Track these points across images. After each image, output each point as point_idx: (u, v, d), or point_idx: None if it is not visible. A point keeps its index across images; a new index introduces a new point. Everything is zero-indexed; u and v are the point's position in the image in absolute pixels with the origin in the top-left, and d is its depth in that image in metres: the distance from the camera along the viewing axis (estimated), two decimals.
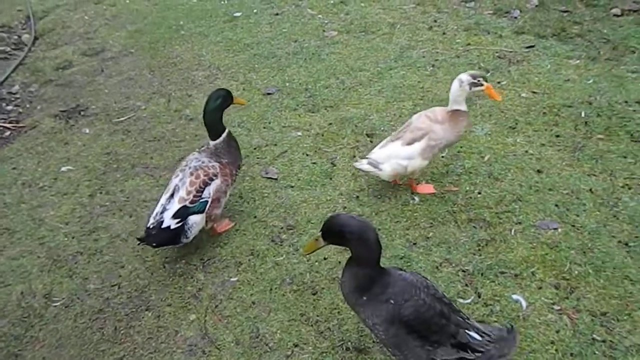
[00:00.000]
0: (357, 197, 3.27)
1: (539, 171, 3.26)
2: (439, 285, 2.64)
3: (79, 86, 4.98)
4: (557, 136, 3.52)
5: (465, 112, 2.95)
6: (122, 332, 2.68)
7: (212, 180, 2.87)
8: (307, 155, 3.67)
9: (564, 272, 2.65)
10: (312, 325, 2.58)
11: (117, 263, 3.07)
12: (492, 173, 3.30)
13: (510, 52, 4.49)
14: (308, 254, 2.23)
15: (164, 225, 2.73)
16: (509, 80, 4.14)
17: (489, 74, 4.24)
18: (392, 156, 3.03)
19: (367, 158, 3.09)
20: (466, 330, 1.97)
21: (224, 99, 2.96)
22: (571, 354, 2.31)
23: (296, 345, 2.51)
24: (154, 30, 5.77)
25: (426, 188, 3.25)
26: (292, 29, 5.39)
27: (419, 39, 4.89)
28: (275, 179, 3.50)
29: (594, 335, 2.37)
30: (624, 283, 2.56)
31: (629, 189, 3.06)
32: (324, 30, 5.28)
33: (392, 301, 1.95)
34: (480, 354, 1.97)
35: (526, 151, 3.43)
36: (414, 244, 2.91)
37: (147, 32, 5.75)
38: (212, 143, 2.99)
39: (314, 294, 2.73)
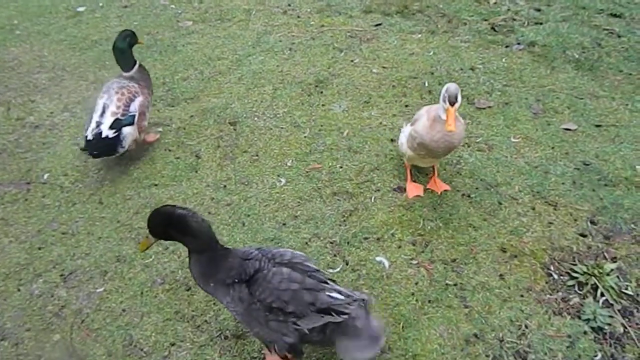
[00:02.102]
0: (225, 186, 3.26)
1: (392, 140, 3.50)
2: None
3: None
4: (406, 106, 3.80)
5: (442, 119, 2.62)
6: None
7: (135, 97, 3.29)
8: (169, 150, 3.56)
9: (419, 229, 2.90)
10: (188, 322, 2.54)
11: None
12: (352, 147, 3.47)
13: (361, 30, 4.72)
14: (143, 251, 2.21)
15: (103, 136, 3.12)
16: (361, 57, 4.36)
17: (342, 53, 4.43)
18: (403, 131, 3.02)
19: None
20: (325, 292, 1.96)
21: (131, 38, 3.41)
22: (429, 301, 2.55)
23: (173, 344, 2.45)
24: None
25: (413, 189, 3.09)
26: (144, 22, 5.13)
27: (274, 23, 4.94)
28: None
29: (447, 281, 2.63)
30: (469, 230, 2.87)
31: (468, 146, 3.41)
32: (178, 21, 5.11)
33: (236, 280, 1.97)
34: (346, 316, 1.96)
35: (380, 123, 3.66)
36: (284, 224, 2.98)
37: None
38: (126, 74, 3.38)
39: (187, 290, 2.68)
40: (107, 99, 3.25)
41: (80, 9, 5.42)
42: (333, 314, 1.96)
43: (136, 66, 3.42)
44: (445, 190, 3.08)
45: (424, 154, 2.82)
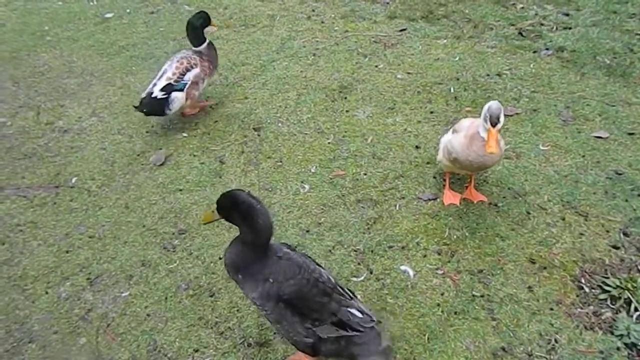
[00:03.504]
0: (248, 192, 3.25)
1: (417, 147, 3.46)
2: (332, 267, 2.73)
3: None
4: (432, 112, 3.75)
5: (481, 138, 2.55)
6: None
7: (192, 67, 3.67)
8: (194, 155, 3.58)
9: (445, 238, 2.85)
10: (211, 328, 2.54)
11: None
12: (376, 153, 3.44)
13: (385, 36, 4.69)
14: (205, 224, 2.43)
15: (153, 95, 3.56)
16: (385, 63, 4.33)
17: (366, 58, 4.41)
18: (444, 137, 2.94)
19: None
20: (348, 308, 2.02)
21: (204, 20, 3.78)
22: (455, 312, 2.50)
23: (196, 351, 2.45)
24: (15, 38, 5.27)
25: (449, 197, 3.04)
26: (169, 27, 5.20)
27: (298, 29, 4.95)
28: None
29: (474, 292, 2.58)
30: (496, 240, 2.81)
31: None
32: None
33: (271, 280, 1.97)
34: (359, 332, 2.01)
35: (405, 129, 3.62)
36: (307, 231, 2.97)
37: (7, 41, 5.23)
38: (195, 48, 3.78)
39: (211, 296, 2.68)
40: (169, 65, 3.67)
41: (108, 15, 5.52)
42: (348, 329, 2.01)
43: (205, 43, 3.78)
44: (481, 201, 3.01)
45: (458, 167, 2.79)
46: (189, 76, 3.64)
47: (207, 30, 4.96)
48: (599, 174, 3.12)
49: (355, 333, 2.00)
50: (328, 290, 2.01)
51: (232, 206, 1.99)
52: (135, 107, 3.57)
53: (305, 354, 2.17)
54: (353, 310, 2.01)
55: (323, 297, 1.98)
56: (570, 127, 3.49)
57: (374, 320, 2.04)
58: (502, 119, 2.45)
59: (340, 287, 2.08)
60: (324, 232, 2.94)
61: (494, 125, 2.44)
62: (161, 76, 3.65)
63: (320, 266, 2.15)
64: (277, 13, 5.24)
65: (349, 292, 2.10)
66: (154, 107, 3.58)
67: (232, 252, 2.06)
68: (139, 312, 2.65)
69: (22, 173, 3.60)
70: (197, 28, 3.73)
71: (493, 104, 2.46)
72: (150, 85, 3.64)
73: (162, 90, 3.57)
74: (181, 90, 3.62)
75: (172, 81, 3.59)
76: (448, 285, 2.62)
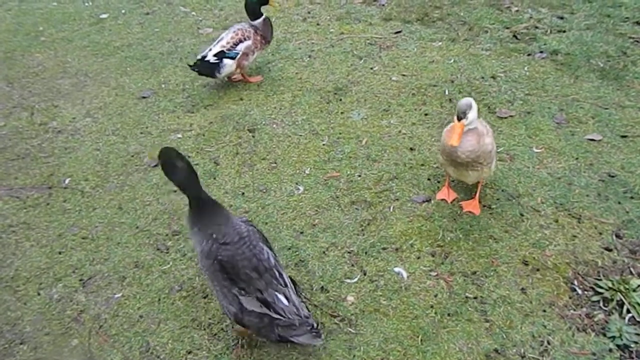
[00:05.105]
0: (243, 193, 3.25)
1: (411, 149, 3.46)
2: (326, 269, 2.73)
3: None
4: (426, 114, 3.76)
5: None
6: None
7: (246, 39, 4.01)
8: (188, 156, 3.56)
9: (438, 240, 2.85)
10: (204, 329, 2.54)
11: None
12: (370, 155, 3.45)
13: (380, 38, 4.70)
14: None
15: (206, 59, 3.94)
16: (380, 65, 4.34)
17: (362, 60, 4.41)
18: None
19: None
20: (276, 292, 2.16)
21: None
22: (448, 314, 2.50)
23: (189, 352, 2.45)
24: (10, 38, 5.25)
25: (444, 193, 3.06)
26: (165, 28, 5.19)
27: (294, 30, 4.95)
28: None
29: (467, 294, 2.58)
30: (489, 242, 2.82)
31: None
32: (198, 28, 5.16)
33: (214, 236, 2.19)
34: (282, 318, 2.14)
35: (399, 131, 3.63)
36: (301, 232, 2.96)
37: (1, 41, 5.21)
38: (252, 22, 4.12)
39: (204, 298, 2.68)
40: (225, 35, 4.04)
41: (103, 15, 5.51)
42: (271, 310, 2.15)
43: (261, 19, 4.10)
44: (470, 212, 2.97)
45: (446, 158, 2.80)
46: (241, 47, 3.97)
47: (205, 32, 4.99)
48: (592, 177, 3.14)
49: (277, 317, 2.14)
50: (261, 268, 2.17)
51: (160, 160, 2.25)
52: (190, 66, 3.92)
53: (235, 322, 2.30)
54: (280, 296, 2.16)
55: (253, 272, 2.15)
56: (564, 130, 3.51)
57: (300, 316, 2.15)
58: (470, 115, 2.56)
59: (279, 273, 2.21)
60: (318, 234, 2.94)
61: (459, 119, 2.56)
62: (217, 43, 3.99)
63: (270, 247, 2.28)
64: (272, 15, 5.23)
65: (287, 281, 2.22)
66: (206, 69, 3.94)
67: (189, 214, 2.29)
68: (132, 313, 2.64)
69: (15, 174, 3.58)
70: (254, 4, 4.02)
71: (463, 100, 2.58)
72: (207, 50, 3.97)
73: (215, 55, 3.92)
74: (232, 58, 3.96)
75: (225, 49, 3.93)
76: (441, 287, 2.62)
